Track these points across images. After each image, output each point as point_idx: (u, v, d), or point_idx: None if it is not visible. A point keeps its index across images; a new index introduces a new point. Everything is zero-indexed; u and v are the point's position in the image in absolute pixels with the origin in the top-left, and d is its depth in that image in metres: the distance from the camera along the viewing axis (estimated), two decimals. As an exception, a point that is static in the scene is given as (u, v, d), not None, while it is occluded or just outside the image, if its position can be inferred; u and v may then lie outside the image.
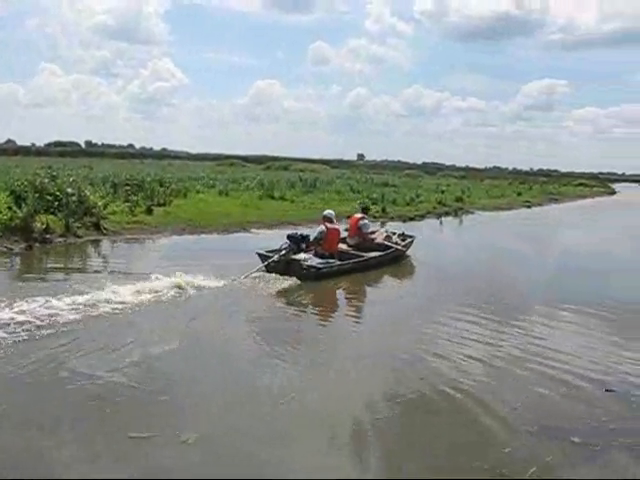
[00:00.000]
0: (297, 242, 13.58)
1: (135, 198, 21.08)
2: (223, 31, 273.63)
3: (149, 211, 20.46)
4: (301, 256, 13.33)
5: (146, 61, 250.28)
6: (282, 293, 11.94)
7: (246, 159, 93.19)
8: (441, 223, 28.25)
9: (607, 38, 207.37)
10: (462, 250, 20.24)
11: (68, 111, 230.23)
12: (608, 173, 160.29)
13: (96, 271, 12.77)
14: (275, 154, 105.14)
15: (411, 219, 27.50)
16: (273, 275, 12.95)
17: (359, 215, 16.56)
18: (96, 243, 16.53)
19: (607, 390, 7.38)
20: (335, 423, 6.21)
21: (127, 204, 20.37)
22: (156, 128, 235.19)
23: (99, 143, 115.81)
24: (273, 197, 28.71)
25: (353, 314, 11.35)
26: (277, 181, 35.16)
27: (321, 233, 14.24)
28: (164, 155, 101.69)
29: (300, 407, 6.57)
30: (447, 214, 31.79)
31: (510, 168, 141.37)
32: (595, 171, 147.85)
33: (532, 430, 6.19)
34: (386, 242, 16.21)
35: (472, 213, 34.09)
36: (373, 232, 16.56)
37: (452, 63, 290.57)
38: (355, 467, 5.45)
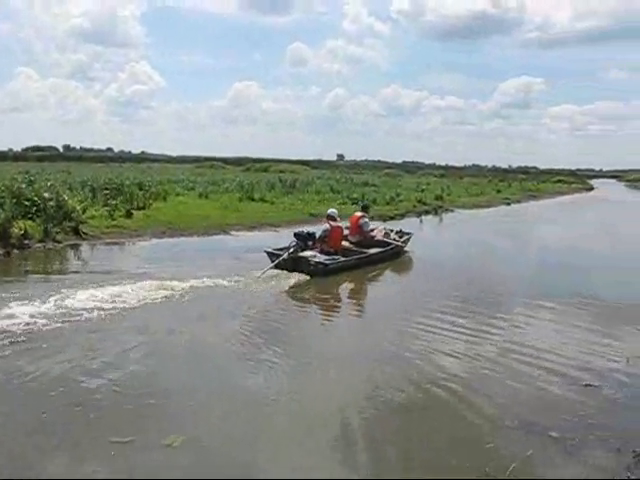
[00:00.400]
0: (304, 240, 14.28)
1: (114, 202, 20.95)
2: (200, 33, 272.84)
3: (129, 215, 20.34)
4: (307, 253, 13.92)
5: (123, 64, 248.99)
6: (291, 290, 12.51)
7: (225, 161, 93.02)
8: (421, 222, 28.33)
9: (582, 36, 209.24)
10: (445, 247, 20.36)
11: (45, 115, 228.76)
12: (586, 169, 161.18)
13: (75, 275, 12.69)
14: (254, 156, 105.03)
15: (391, 218, 27.47)
16: (283, 272, 13.51)
17: (359, 214, 17.09)
18: (75, 248, 16.39)
19: (586, 385, 7.46)
20: (321, 424, 6.24)
21: (106, 208, 20.25)
22: (134, 131, 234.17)
23: (77, 147, 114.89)
24: (253, 199, 28.63)
25: (350, 312, 11.73)
26: (257, 183, 35.11)
27: (325, 231, 14.98)
28: (143, 158, 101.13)
29: (287, 408, 6.60)
30: (427, 212, 31.88)
31: (489, 166, 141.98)
32: (573, 168, 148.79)
33: (513, 425, 6.27)
34: (386, 239, 16.92)
35: (452, 211, 34.24)
36: (372, 230, 17.17)
37: (430, 62, 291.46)
38: (343, 467, 5.50)
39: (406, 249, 17.69)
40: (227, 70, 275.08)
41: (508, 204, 43.39)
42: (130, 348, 8.20)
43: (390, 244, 16.67)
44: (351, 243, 16.13)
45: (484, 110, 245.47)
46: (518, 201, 46.70)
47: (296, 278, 13.31)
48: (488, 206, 39.85)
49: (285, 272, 13.52)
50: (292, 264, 13.64)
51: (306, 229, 15.24)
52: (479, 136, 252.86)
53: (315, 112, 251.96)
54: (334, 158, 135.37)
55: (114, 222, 19.25)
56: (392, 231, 17.95)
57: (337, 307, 12.05)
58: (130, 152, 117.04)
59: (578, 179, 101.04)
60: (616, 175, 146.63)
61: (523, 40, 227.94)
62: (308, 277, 13.47)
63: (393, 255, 16.64)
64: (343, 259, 14.60)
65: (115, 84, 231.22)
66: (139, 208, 21.72)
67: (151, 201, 23.51)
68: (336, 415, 6.44)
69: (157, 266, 13.57)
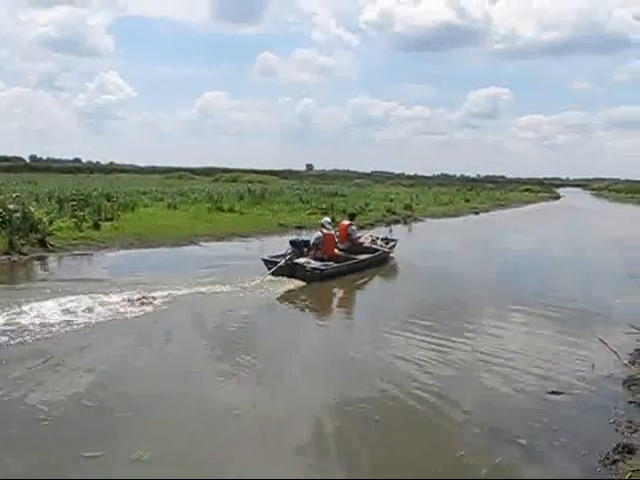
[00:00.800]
0: (299, 247, 15.23)
1: (82, 213, 20.74)
2: (169, 43, 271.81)
3: (96, 226, 20.16)
4: (301, 260, 14.73)
5: (92, 74, 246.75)
6: (286, 296, 12.99)
7: (194, 171, 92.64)
8: (391, 231, 28.28)
9: (547, 47, 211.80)
10: (416, 256, 20.36)
11: (11, 125, 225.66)
12: (553, 178, 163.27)
13: (40, 287, 12.45)
14: (223, 166, 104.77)
15: (361, 228, 27.26)
16: (265, 279, 13.89)
17: (347, 222, 17.94)
18: (42, 260, 16.17)
19: (552, 392, 7.53)
20: (291, 434, 6.24)
21: (73, 219, 20.02)
22: (103, 142, 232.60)
23: (44, 158, 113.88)
24: (222, 209, 28.52)
25: (328, 320, 12.01)
26: (226, 193, 35.00)
27: (318, 238, 15.67)
28: (111, 169, 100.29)
29: (256, 420, 6.57)
30: (396, 222, 31.91)
31: (458, 175, 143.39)
32: (540, 177, 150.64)
33: (482, 433, 6.33)
34: (373, 245, 17.94)
35: (421, 220, 34.37)
36: (360, 237, 18.12)
37: (399, 73, 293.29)
38: (313, 476, 5.51)
39: (392, 255, 18.46)
40: (196, 80, 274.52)
41: (477, 213, 43.70)
42: (97, 361, 8.12)
43: (377, 250, 17.63)
44: (340, 250, 16.73)
45: (452, 120, 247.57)
46: (486, 210, 47.05)
47: (279, 285, 13.64)
48: (457, 215, 40.11)
49: (271, 278, 13.98)
50: (289, 270, 14.27)
51: (301, 237, 16.53)
52: (448, 146, 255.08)
53: (284, 122, 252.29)
54: (303, 168, 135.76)
55: (81, 234, 19.05)
56: (378, 238, 18.91)
57: (318, 315, 12.20)
58: (98, 163, 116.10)
59: (545, 188, 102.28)
60: (582, 184, 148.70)
61: (490, 51, 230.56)
62: (303, 283, 13.98)
63: (380, 261, 17.54)
64: (336, 265, 15.30)
65: (83, 94, 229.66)
66: (107, 219, 21.56)
67: (119, 212, 23.34)
68: (305, 426, 6.44)
69: (123, 277, 13.48)
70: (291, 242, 15.49)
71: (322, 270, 14.53)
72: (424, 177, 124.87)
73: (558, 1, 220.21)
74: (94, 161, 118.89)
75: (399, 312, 12.03)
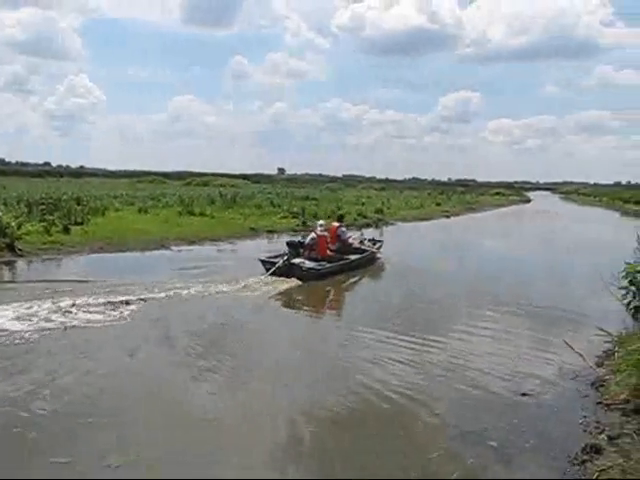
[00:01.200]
0: (296, 248, 16.22)
1: (51, 217, 20.57)
2: (140, 46, 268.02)
3: (66, 230, 19.96)
4: (297, 260, 15.59)
5: (62, 77, 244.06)
6: (282, 294, 13.69)
7: (166, 175, 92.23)
8: (362, 235, 28.45)
9: (517, 52, 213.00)
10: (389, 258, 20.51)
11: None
12: (523, 182, 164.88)
13: (7, 292, 12.35)
14: (195, 170, 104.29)
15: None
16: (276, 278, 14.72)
17: (336, 224, 18.59)
18: (10, 265, 16.00)
19: (522, 394, 7.61)
20: (265, 439, 6.24)
21: (43, 224, 19.81)
22: (73, 145, 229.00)
23: (13, 161, 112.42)
24: (193, 213, 28.43)
25: (320, 320, 12.30)
26: (197, 197, 34.93)
27: (313, 239, 16.58)
28: (82, 173, 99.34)
29: (229, 424, 6.58)
30: (368, 226, 31.93)
31: (429, 179, 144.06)
32: (510, 180, 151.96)
33: (454, 435, 6.37)
34: (362, 246, 18.78)
35: (393, 224, 34.49)
36: (349, 238, 18.72)
37: (370, 77, 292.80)
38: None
39: (378, 255, 19.28)
40: (167, 84, 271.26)
41: (447, 217, 43.95)
42: (67, 367, 8.04)
43: (366, 251, 18.54)
44: (331, 251, 17.25)
45: (424, 124, 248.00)
46: (457, 214, 47.33)
47: (278, 284, 14.35)
48: (428, 219, 40.28)
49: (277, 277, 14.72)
50: (286, 270, 14.99)
51: (297, 239, 17.72)
52: (419, 150, 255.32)
53: (256, 126, 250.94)
54: (275, 172, 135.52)
55: (51, 238, 18.86)
56: (365, 239, 19.95)
57: (308, 315, 12.48)
58: (68, 166, 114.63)
59: (516, 192, 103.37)
60: (552, 187, 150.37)
61: (460, 55, 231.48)
62: (299, 282, 14.71)
63: (369, 260, 18.52)
64: (330, 265, 16.22)
65: (53, 97, 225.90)
66: (77, 223, 21.35)
67: (89, 216, 23.15)
68: (278, 430, 6.46)
69: (92, 282, 13.37)
70: (288, 243, 16.55)
71: (318, 270, 15.50)
72: (395, 181, 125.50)
73: (527, 7, 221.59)
74: (64, 165, 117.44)
75: (377, 313, 12.39)
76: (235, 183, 73.12)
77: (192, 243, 21.35)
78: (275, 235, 25.27)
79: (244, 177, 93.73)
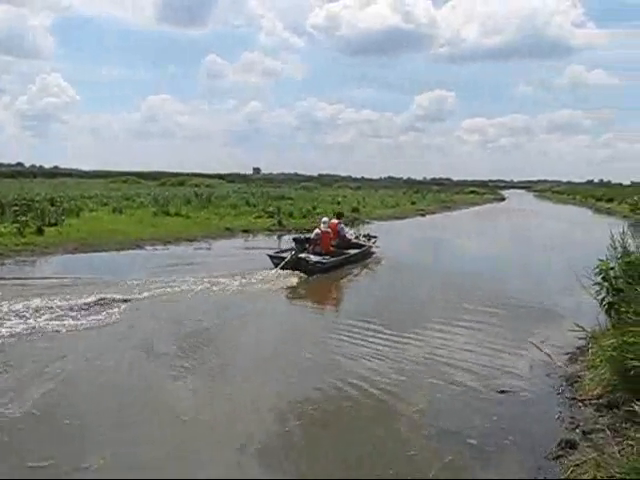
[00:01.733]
0: (302, 243, 17.26)
1: (24, 218, 20.39)
2: (114, 45, 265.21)
3: (40, 231, 19.80)
4: (303, 255, 16.60)
5: (34, 76, 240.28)
6: (290, 289, 14.54)
7: (141, 175, 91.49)
8: (358, 231, 28.48)
9: (490, 52, 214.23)
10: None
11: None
12: (497, 180, 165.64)
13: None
14: (170, 170, 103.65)
15: (308, 231, 27.37)
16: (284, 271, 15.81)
17: (336, 221, 19.89)
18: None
19: (500, 391, 7.67)
20: (242, 436, 6.22)
21: (16, 225, 19.66)
22: (47, 145, 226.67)
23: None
24: (168, 213, 28.34)
25: (294, 319, 12.14)
26: (172, 197, 34.78)
27: (317, 235, 17.86)
28: (56, 173, 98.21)
29: (208, 424, 6.57)
30: (344, 225, 31.97)
31: (404, 178, 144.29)
32: (485, 179, 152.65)
33: (433, 433, 6.41)
34: (359, 241, 20.10)
35: (368, 223, 34.50)
36: (346, 234, 19.99)
37: (345, 76, 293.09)
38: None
39: (373, 250, 20.35)
40: (142, 83, 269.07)
41: (423, 215, 44.11)
42: (44, 367, 7.97)
43: (364, 245, 19.90)
44: (332, 246, 18.30)
45: (399, 123, 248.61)
46: (433, 212, 47.52)
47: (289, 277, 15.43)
48: (404, 217, 40.39)
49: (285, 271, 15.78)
50: (294, 264, 16.14)
51: (303, 235, 18.71)
52: (394, 149, 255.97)
53: (231, 125, 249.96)
54: (250, 172, 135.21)
55: (24, 239, 18.70)
56: (361, 235, 21.35)
57: (309, 309, 13.13)
58: (42, 167, 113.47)
59: (490, 190, 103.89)
60: (526, 186, 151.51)
61: (435, 55, 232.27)
62: (305, 275, 15.80)
63: (366, 255, 19.79)
64: (333, 259, 17.44)
65: (25, 96, 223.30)
66: (51, 224, 21.19)
67: (63, 217, 23.00)
68: (257, 429, 6.43)
69: (67, 282, 13.28)
70: (294, 239, 17.66)
71: (323, 264, 16.68)
72: (371, 180, 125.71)
73: (501, 7, 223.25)
74: (37, 165, 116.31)
75: (362, 308, 12.72)
76: (210, 183, 72.88)
77: (167, 243, 21.22)
78: (250, 235, 25.23)
79: (219, 177, 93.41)
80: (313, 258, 16.67)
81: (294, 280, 15.25)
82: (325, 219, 18.88)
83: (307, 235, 18.56)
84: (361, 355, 8.98)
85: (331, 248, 18.03)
